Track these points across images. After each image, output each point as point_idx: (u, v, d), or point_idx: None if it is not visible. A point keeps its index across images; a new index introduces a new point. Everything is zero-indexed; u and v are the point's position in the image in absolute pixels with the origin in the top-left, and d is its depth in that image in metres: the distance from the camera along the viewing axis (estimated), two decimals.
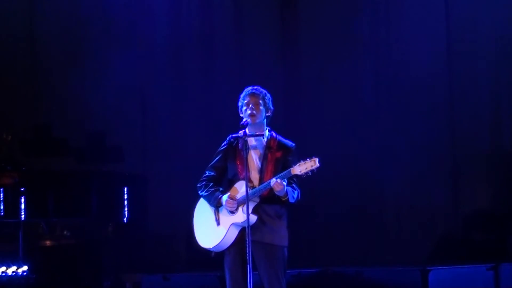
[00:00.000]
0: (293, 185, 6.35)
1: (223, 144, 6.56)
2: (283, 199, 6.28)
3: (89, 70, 12.27)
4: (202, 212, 6.52)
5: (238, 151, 6.44)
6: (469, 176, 11.53)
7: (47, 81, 12.50)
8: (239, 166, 6.40)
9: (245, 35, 12.35)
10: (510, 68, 11.40)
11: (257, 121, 6.43)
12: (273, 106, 6.53)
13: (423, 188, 11.55)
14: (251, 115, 6.39)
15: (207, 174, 6.56)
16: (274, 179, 6.19)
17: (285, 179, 6.22)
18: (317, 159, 6.16)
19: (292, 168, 6.21)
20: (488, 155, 11.44)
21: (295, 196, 6.34)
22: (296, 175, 6.22)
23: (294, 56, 12.26)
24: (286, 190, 6.23)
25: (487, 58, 11.46)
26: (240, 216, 6.28)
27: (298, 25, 12.30)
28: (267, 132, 6.49)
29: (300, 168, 6.18)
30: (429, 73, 11.58)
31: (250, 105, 6.42)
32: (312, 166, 6.16)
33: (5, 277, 10.42)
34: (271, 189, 6.23)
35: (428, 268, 9.48)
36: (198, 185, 6.55)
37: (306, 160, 6.19)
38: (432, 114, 11.58)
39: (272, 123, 6.57)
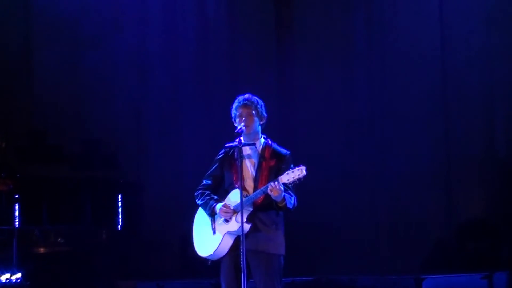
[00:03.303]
0: (289, 191, 6.31)
1: (220, 152, 6.54)
2: (281, 205, 6.25)
3: (84, 77, 12.26)
4: (201, 221, 6.51)
5: (233, 160, 6.42)
6: (462, 184, 11.53)
7: (42, 87, 12.48)
8: (234, 175, 6.38)
9: (239, 41, 12.36)
10: (503, 73, 11.40)
11: (252, 131, 6.42)
12: (266, 113, 6.52)
13: (417, 196, 11.55)
14: (245, 127, 6.36)
15: (204, 183, 6.55)
16: (271, 184, 6.15)
17: (282, 184, 6.20)
18: (304, 168, 6.14)
19: (280, 177, 6.18)
20: (481, 163, 11.44)
21: (292, 201, 6.31)
22: (284, 184, 6.21)
23: (288, 61, 12.27)
24: (284, 195, 6.21)
25: (481, 63, 11.47)
26: (234, 225, 6.27)
27: (292, 30, 12.32)
28: (262, 140, 6.47)
29: (288, 177, 6.15)
30: (422, 80, 11.60)
31: (243, 117, 6.40)
32: (299, 174, 6.13)
33: None
34: (267, 196, 6.21)
35: (422, 276, 9.48)
36: (195, 193, 6.54)
37: (294, 168, 6.19)
38: (425, 122, 11.59)
39: (265, 129, 6.55)
